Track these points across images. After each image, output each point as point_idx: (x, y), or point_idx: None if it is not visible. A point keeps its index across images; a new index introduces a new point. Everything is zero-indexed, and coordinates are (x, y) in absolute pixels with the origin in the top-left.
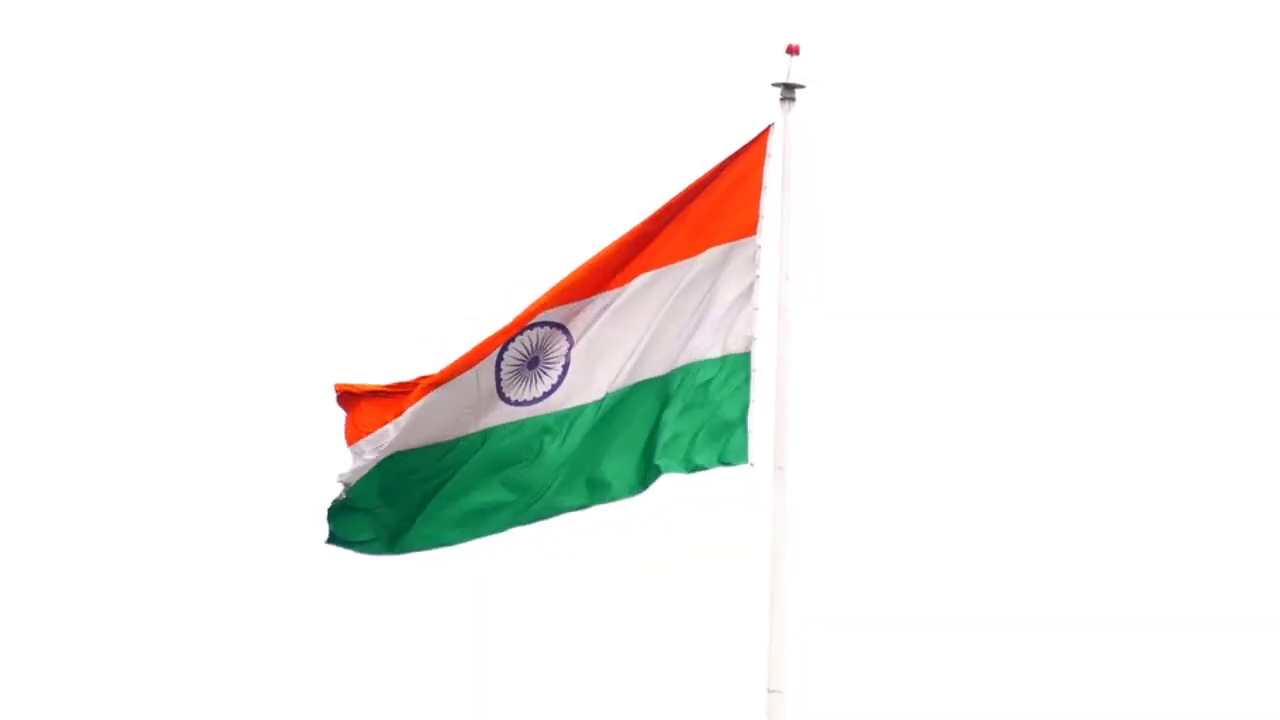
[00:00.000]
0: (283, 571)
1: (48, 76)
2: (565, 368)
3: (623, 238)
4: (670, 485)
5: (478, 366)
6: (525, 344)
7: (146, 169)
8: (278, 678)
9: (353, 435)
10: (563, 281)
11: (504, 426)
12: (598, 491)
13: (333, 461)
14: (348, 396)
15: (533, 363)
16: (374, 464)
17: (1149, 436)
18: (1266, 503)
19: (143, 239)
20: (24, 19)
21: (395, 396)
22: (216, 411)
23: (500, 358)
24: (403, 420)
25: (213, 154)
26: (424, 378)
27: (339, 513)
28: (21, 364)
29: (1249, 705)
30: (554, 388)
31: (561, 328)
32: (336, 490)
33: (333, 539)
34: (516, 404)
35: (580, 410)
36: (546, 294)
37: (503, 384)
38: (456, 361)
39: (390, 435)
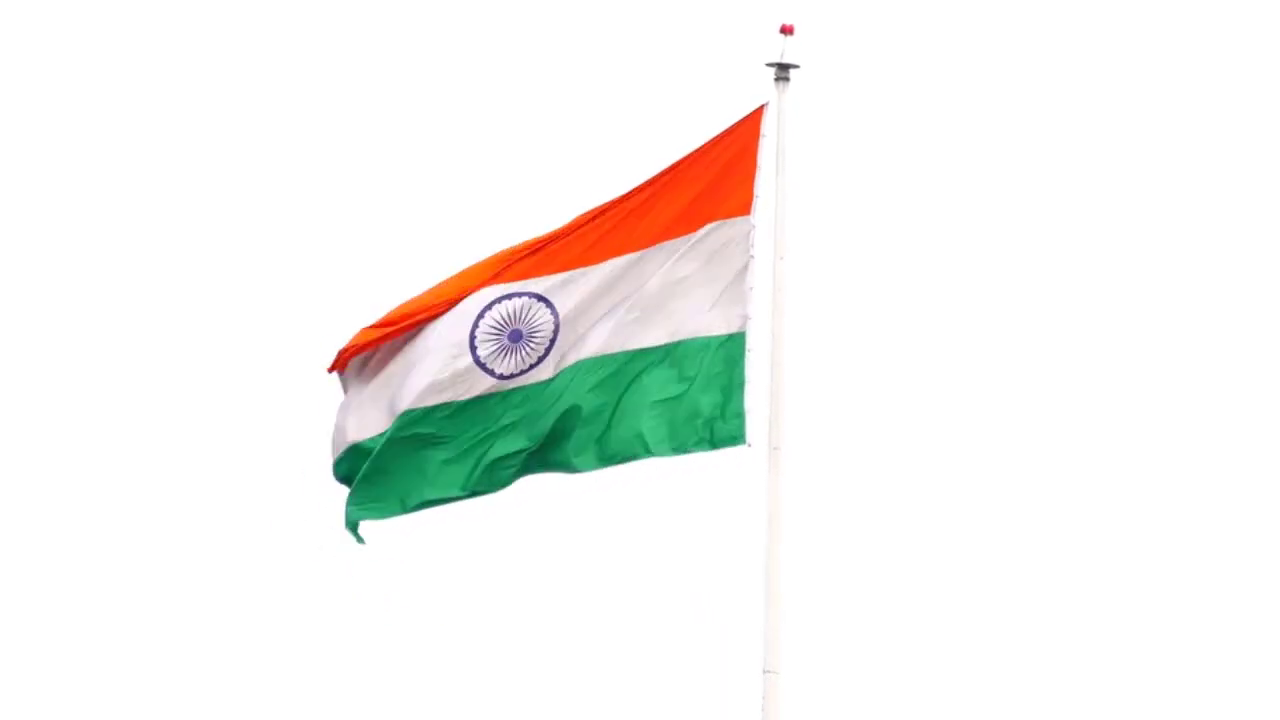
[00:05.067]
0: (269, 564)
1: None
2: (552, 342)
3: (608, 210)
4: (665, 465)
5: (448, 320)
6: (504, 314)
7: (130, 162)
8: (265, 670)
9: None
10: (541, 249)
11: (492, 396)
12: (574, 466)
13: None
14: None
15: (515, 335)
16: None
17: (1142, 407)
18: (1266, 503)
19: (125, 233)
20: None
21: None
22: (200, 403)
23: (476, 325)
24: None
25: (195, 147)
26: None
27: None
28: (8, 359)
29: (1249, 705)
30: (540, 360)
31: (545, 301)
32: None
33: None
34: (503, 378)
35: (561, 379)
36: (522, 259)
37: (483, 358)
38: (428, 302)
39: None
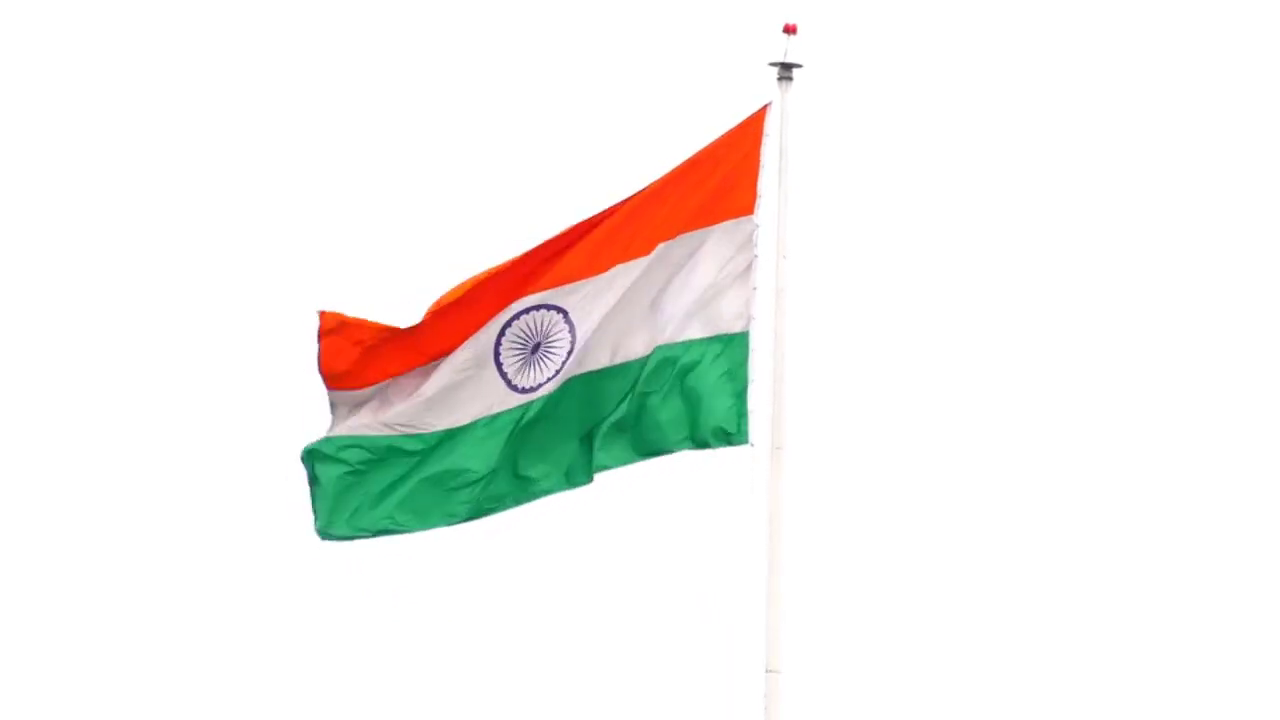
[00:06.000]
0: (274, 561)
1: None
2: (569, 353)
3: (616, 216)
4: (668, 464)
5: (474, 346)
6: (526, 328)
7: (128, 162)
8: (271, 668)
9: (338, 379)
10: (550, 258)
11: (511, 411)
12: (589, 468)
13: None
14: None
15: (535, 348)
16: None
17: (1143, 405)
18: (1267, 503)
19: (122, 233)
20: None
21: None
22: (203, 400)
23: (499, 342)
24: (404, 402)
25: (195, 147)
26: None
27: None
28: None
29: (1249, 705)
30: (557, 373)
31: (561, 311)
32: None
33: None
34: (524, 390)
35: (568, 386)
36: (532, 268)
37: (507, 372)
38: (444, 332)
39: (394, 408)
